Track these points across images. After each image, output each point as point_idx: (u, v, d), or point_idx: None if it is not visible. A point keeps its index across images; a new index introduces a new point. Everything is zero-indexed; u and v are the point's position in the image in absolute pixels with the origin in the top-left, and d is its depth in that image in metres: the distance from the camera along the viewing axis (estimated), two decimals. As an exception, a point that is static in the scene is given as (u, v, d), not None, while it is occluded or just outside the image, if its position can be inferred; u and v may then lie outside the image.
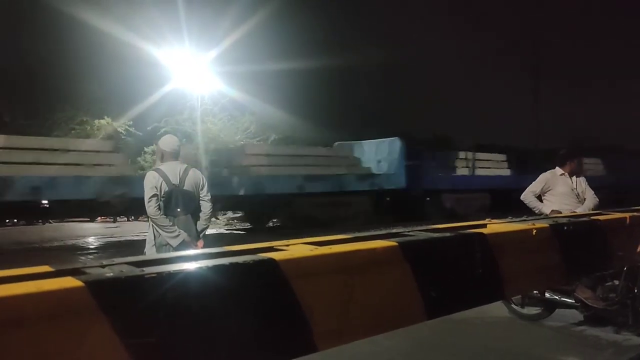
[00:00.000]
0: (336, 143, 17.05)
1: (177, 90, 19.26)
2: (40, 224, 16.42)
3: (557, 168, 5.29)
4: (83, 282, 1.10)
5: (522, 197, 5.33)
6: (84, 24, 18.90)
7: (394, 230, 1.96)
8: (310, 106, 23.17)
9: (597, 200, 5.14)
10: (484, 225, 2.24)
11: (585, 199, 5.18)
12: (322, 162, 15.10)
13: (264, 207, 14.44)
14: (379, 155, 16.08)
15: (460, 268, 1.93)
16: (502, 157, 18.58)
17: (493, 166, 18.29)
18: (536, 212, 5.09)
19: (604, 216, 2.82)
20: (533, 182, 5.34)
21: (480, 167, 17.72)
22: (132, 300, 1.16)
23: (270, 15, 23.36)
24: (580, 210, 4.77)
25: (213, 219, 10.71)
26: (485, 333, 4.50)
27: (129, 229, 15.15)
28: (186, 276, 1.25)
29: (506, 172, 18.33)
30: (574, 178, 5.23)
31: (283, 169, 13.92)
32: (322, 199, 13.93)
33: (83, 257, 10.06)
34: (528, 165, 17.21)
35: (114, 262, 1.33)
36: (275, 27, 24.19)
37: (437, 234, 1.94)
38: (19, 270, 1.28)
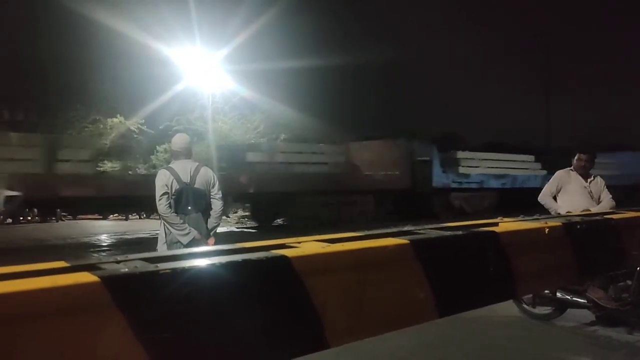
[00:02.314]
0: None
1: (188, 89, 19.37)
2: (54, 221, 16.62)
3: (571, 166, 5.25)
4: (99, 277, 1.12)
5: (539, 199, 5.29)
6: (96, 23, 19.03)
7: (406, 229, 1.96)
8: (320, 105, 23.18)
9: (614, 203, 5.04)
10: (496, 224, 2.23)
11: (600, 200, 5.11)
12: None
13: (268, 205, 14.56)
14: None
15: (472, 266, 1.92)
16: (528, 157, 18.52)
17: (505, 166, 18.23)
18: (552, 213, 5.02)
19: (618, 215, 2.80)
20: (548, 182, 5.30)
21: (489, 167, 17.69)
22: (147, 296, 1.17)
23: (281, 13, 23.39)
24: (594, 210, 4.71)
25: (223, 217, 10.80)
26: (496, 332, 4.48)
27: (139, 227, 15.26)
28: (199, 272, 1.26)
29: (538, 171, 18.20)
30: (589, 177, 5.18)
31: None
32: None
33: (96, 254, 10.15)
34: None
35: (128, 258, 1.35)
36: (285, 25, 24.23)
37: (449, 232, 1.94)
38: (35, 266, 1.30)
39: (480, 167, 17.35)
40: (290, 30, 24.96)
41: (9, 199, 10.08)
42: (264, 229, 14.81)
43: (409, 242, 1.69)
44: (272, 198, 13.68)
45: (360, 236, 1.80)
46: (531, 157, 18.77)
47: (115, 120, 19.85)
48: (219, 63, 18.56)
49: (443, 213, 15.37)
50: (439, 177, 16.12)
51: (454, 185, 16.50)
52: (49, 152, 10.71)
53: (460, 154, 17.27)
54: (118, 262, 1.31)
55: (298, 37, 25.09)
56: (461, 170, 16.85)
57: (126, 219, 17.48)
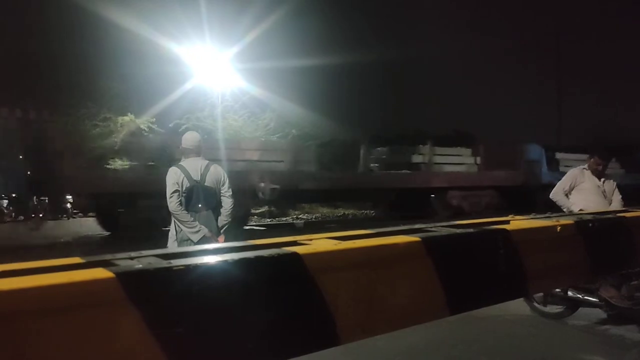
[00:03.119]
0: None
1: (198, 87, 19.42)
2: (65, 218, 16.77)
3: (586, 164, 5.24)
4: (114, 273, 1.13)
5: (551, 196, 5.27)
6: (106, 21, 19.15)
7: (417, 226, 1.96)
8: (330, 103, 23.17)
9: (623, 203, 5.04)
10: (507, 222, 2.23)
11: (612, 200, 5.10)
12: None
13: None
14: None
15: (483, 264, 1.92)
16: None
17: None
18: (565, 210, 5.01)
19: (630, 213, 2.77)
20: (561, 180, 5.29)
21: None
22: (160, 292, 1.18)
23: (290, 12, 23.40)
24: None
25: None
26: (507, 330, 4.47)
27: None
28: (212, 269, 1.28)
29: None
30: (602, 177, 5.17)
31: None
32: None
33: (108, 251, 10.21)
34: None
35: (142, 255, 1.36)
36: (295, 24, 24.22)
37: (460, 229, 1.93)
38: (51, 262, 1.32)
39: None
40: (300, 28, 24.97)
41: (272, 190, 12.28)
42: (273, 227, 14.88)
43: (420, 239, 1.69)
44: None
45: (371, 234, 1.81)
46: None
47: (125, 118, 19.95)
48: (228, 61, 18.61)
49: (440, 212, 15.66)
50: (545, 175, 17.01)
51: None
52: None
53: (559, 155, 18.17)
54: (132, 258, 1.32)
55: (308, 36, 25.09)
56: (561, 169, 17.25)
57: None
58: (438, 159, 16.40)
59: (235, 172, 10.32)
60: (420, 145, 16.40)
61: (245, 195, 11.85)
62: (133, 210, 11.26)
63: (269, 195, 12.42)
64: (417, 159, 16.15)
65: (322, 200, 18.17)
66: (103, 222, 13.35)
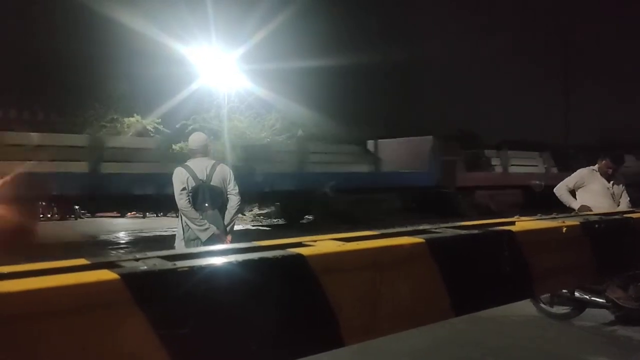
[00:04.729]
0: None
1: (204, 88, 19.48)
2: (73, 219, 16.86)
3: (596, 165, 5.22)
4: (118, 274, 1.14)
5: (555, 190, 5.28)
6: (113, 22, 19.24)
7: (421, 227, 1.96)
8: (335, 103, 23.15)
9: (631, 205, 5.02)
10: (513, 223, 2.22)
11: (620, 203, 5.09)
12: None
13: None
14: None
15: (488, 265, 1.92)
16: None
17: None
18: (566, 205, 5.06)
19: (637, 214, 2.76)
20: (568, 177, 5.28)
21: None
22: (165, 293, 1.19)
23: (296, 13, 23.42)
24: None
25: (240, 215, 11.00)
26: (513, 331, 4.45)
27: (154, 225, 15.39)
28: (216, 270, 1.28)
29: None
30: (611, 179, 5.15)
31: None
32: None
33: (114, 252, 10.27)
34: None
35: (147, 256, 1.37)
36: (300, 25, 24.23)
37: (465, 230, 1.93)
38: (56, 263, 1.33)
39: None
40: (305, 29, 24.97)
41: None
42: (280, 227, 14.91)
43: (424, 241, 1.69)
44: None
45: (375, 235, 1.80)
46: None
47: (132, 119, 20.03)
48: (234, 62, 18.65)
49: (467, 212, 15.38)
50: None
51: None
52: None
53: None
54: (137, 259, 1.33)
55: (313, 37, 25.08)
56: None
57: (144, 217, 17.66)
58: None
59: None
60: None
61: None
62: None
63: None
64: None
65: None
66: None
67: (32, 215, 10.83)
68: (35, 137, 10.75)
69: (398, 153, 16.21)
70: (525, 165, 18.04)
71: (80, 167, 10.70)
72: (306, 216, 15.95)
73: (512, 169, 17.50)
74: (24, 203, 8.86)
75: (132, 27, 18.92)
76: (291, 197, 14.05)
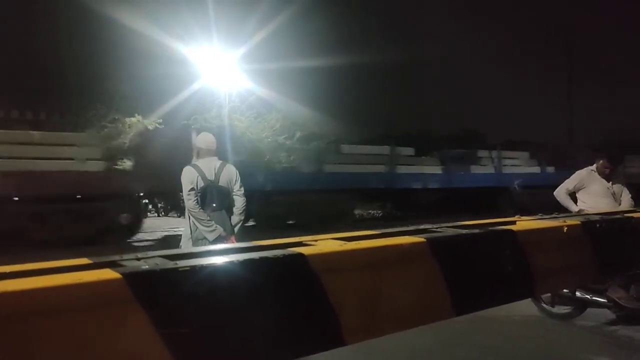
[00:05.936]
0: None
1: (205, 88, 19.47)
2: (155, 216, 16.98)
3: (594, 165, 5.20)
4: (120, 274, 1.14)
5: (554, 193, 5.26)
6: (114, 22, 19.25)
7: (422, 227, 1.96)
8: (336, 103, 23.14)
9: (633, 202, 5.01)
10: (513, 222, 2.22)
11: (621, 201, 5.07)
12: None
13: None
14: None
15: (489, 265, 1.92)
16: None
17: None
18: (566, 209, 5.04)
19: (638, 214, 2.76)
20: (567, 179, 5.26)
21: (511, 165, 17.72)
22: (166, 292, 1.19)
23: (297, 13, 23.41)
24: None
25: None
26: (514, 331, 4.45)
27: (157, 225, 15.37)
28: (218, 269, 1.29)
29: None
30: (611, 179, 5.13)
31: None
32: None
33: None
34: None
35: (148, 255, 1.37)
36: (301, 25, 24.23)
37: (465, 230, 1.93)
38: (59, 262, 1.33)
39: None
40: (306, 29, 24.97)
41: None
42: (282, 227, 14.93)
43: (425, 240, 1.70)
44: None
45: (376, 234, 1.81)
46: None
47: (133, 119, 20.02)
48: (235, 62, 18.65)
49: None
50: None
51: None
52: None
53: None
54: (139, 259, 1.33)
55: (314, 36, 25.08)
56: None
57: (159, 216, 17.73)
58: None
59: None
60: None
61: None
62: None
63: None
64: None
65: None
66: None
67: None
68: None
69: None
70: (516, 166, 18.11)
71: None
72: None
73: (505, 169, 17.57)
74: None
75: (134, 27, 18.92)
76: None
